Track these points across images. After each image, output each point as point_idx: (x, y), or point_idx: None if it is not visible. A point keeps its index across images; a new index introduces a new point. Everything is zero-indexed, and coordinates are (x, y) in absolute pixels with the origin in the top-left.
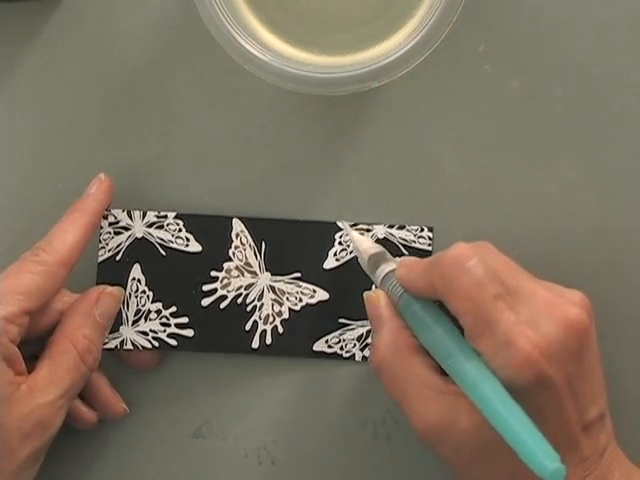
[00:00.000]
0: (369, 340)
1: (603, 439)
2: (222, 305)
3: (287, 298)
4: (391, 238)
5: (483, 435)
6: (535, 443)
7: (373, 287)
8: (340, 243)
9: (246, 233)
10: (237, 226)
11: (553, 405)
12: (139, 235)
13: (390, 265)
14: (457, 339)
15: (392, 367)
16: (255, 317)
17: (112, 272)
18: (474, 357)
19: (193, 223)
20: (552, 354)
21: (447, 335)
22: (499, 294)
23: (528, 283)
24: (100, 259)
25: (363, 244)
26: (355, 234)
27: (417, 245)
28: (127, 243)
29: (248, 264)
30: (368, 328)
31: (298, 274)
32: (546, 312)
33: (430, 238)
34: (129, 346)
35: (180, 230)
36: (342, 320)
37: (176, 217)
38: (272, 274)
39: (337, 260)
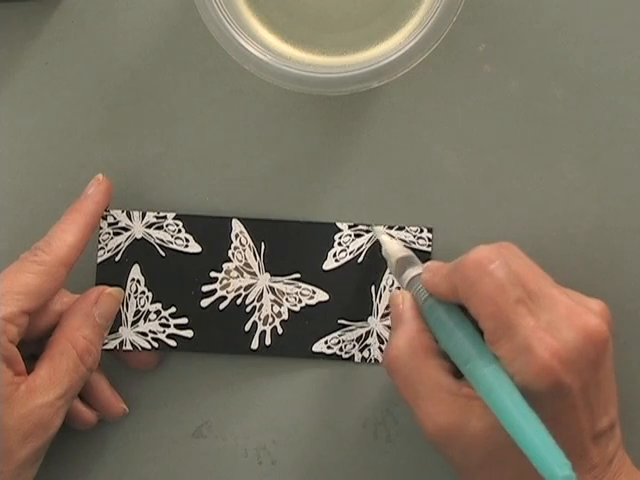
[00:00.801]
0: (368, 341)
1: (612, 448)
2: (221, 306)
3: (286, 299)
4: None
5: (493, 439)
6: (547, 450)
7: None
8: (340, 244)
9: (245, 234)
10: (237, 227)
11: (567, 413)
12: (138, 236)
13: (416, 269)
14: (477, 343)
15: (406, 366)
16: (254, 318)
17: (111, 273)
18: (493, 362)
19: (192, 224)
20: (570, 362)
21: (467, 339)
22: (520, 298)
23: (550, 289)
24: (99, 260)
25: (392, 247)
26: (385, 237)
27: (416, 246)
28: (126, 244)
29: (247, 265)
30: (367, 329)
31: (297, 275)
32: (566, 320)
33: (429, 239)
34: (128, 347)
35: (179, 231)
36: (341, 321)
37: (175, 218)
38: (271, 275)
39: (336, 261)
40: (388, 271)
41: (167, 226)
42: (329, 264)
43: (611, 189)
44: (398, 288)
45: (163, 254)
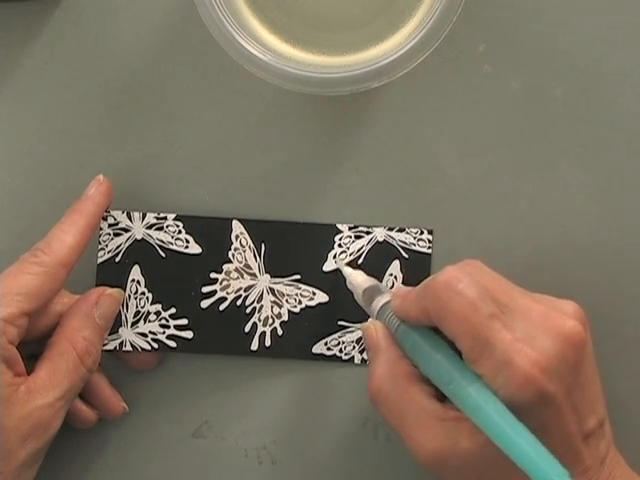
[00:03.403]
0: None
1: (603, 447)
2: (221, 307)
3: (286, 300)
4: (390, 241)
5: (486, 457)
6: (543, 460)
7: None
8: (340, 245)
9: (246, 235)
10: (237, 228)
11: (554, 420)
12: (139, 236)
13: (385, 297)
14: (457, 364)
15: (390, 396)
16: (254, 319)
17: (111, 273)
18: (475, 380)
19: (193, 225)
20: (551, 370)
21: (446, 360)
22: (493, 313)
23: (521, 299)
24: (99, 260)
25: (357, 278)
26: (348, 269)
27: (417, 248)
28: (127, 244)
29: (248, 266)
30: None
31: (298, 276)
32: (542, 327)
33: (430, 241)
34: (128, 347)
35: (180, 232)
36: (341, 322)
37: (176, 219)
38: (272, 276)
39: (337, 263)
40: (388, 273)
41: (167, 227)
42: (329, 265)
43: (611, 189)
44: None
45: (163, 255)
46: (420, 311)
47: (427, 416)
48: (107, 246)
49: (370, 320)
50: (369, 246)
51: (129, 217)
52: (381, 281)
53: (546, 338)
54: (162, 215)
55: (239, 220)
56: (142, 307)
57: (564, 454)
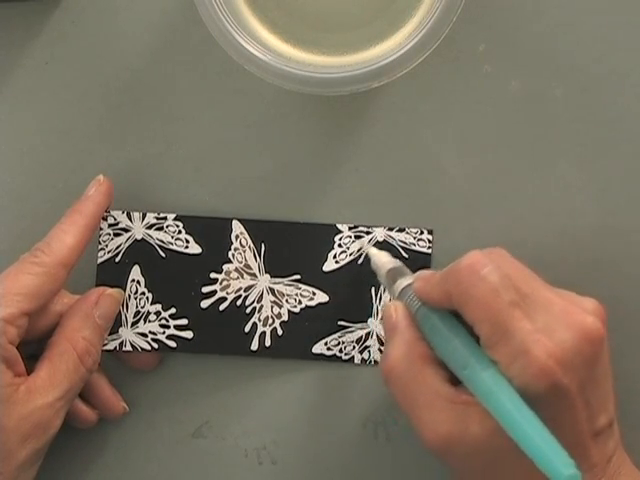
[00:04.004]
0: (368, 343)
1: (611, 445)
2: (221, 307)
3: (286, 300)
4: (390, 241)
5: (494, 444)
6: (551, 450)
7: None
8: (340, 245)
9: (246, 235)
10: (237, 228)
11: (566, 414)
12: (139, 236)
13: (408, 279)
14: (473, 349)
15: (403, 376)
16: (254, 319)
17: (111, 273)
18: (490, 366)
19: (193, 225)
20: (567, 363)
21: (463, 345)
22: (515, 301)
23: (543, 290)
24: (99, 260)
25: (382, 259)
26: (373, 249)
27: (416, 248)
28: (127, 244)
29: (248, 266)
30: (367, 331)
31: (298, 276)
32: (562, 320)
33: (430, 241)
34: (128, 347)
35: (180, 232)
36: (341, 322)
37: (176, 219)
38: (272, 276)
39: (337, 262)
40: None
41: (167, 227)
42: (329, 265)
43: (611, 189)
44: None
45: (163, 255)
46: (442, 294)
47: (438, 398)
48: (107, 246)
49: (391, 300)
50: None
51: (129, 217)
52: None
53: (565, 331)
54: (162, 215)
55: (239, 220)
56: (142, 307)
57: (572, 449)
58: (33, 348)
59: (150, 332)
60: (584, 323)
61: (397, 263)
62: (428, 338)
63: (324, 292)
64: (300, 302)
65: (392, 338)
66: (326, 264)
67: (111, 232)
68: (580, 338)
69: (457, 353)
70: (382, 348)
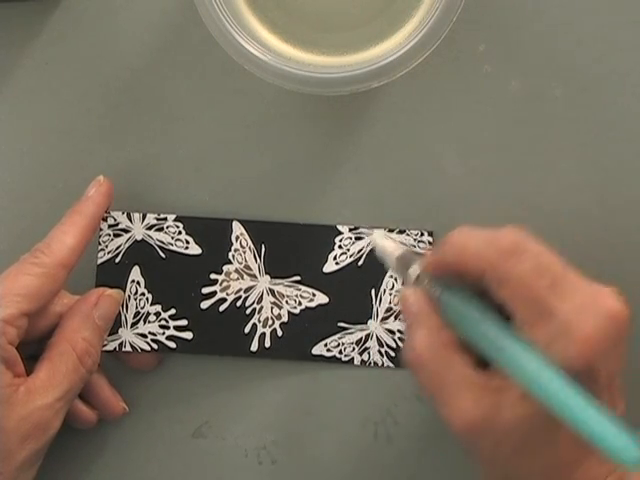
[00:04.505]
0: (368, 344)
1: None
2: (221, 308)
3: (286, 301)
4: None
5: (525, 429)
6: (614, 429)
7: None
8: (340, 247)
9: (246, 236)
10: (237, 229)
11: (595, 396)
12: (139, 237)
13: (423, 264)
14: (507, 330)
15: (431, 365)
16: (254, 320)
17: (111, 274)
18: (529, 348)
19: (193, 226)
20: (601, 346)
21: (496, 327)
22: (554, 282)
23: (571, 274)
24: (99, 261)
25: (387, 246)
26: (377, 237)
27: (417, 250)
28: (127, 245)
29: (248, 267)
30: (367, 332)
31: (298, 277)
32: (593, 304)
33: (430, 242)
34: (128, 348)
35: (180, 233)
36: (341, 324)
37: (176, 219)
38: (272, 277)
39: (337, 264)
40: (388, 275)
41: (167, 228)
42: (329, 267)
43: (611, 189)
44: (399, 291)
45: (163, 256)
46: (478, 268)
47: (469, 384)
48: (107, 247)
49: (406, 287)
50: (369, 248)
51: (129, 218)
52: (381, 283)
53: (597, 315)
54: (162, 216)
55: (239, 221)
56: (142, 308)
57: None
58: (33, 349)
59: (150, 333)
60: (614, 307)
61: (404, 248)
62: (453, 323)
63: (324, 293)
64: (300, 303)
65: (415, 326)
66: (326, 265)
67: (111, 233)
68: (610, 322)
69: (490, 335)
70: (382, 350)
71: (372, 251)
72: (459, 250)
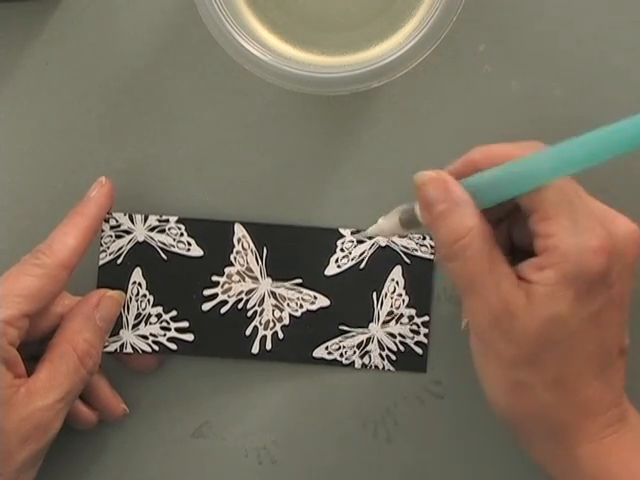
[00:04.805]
0: (369, 348)
1: (624, 379)
2: (222, 310)
3: (288, 304)
4: (393, 246)
5: (548, 332)
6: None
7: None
8: (342, 250)
9: (248, 238)
10: (239, 231)
11: (607, 310)
12: (140, 239)
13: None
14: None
15: (475, 254)
16: (255, 322)
17: (113, 276)
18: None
19: (195, 227)
20: (619, 253)
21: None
22: (579, 191)
23: (586, 195)
24: (101, 262)
25: (384, 222)
26: (370, 231)
27: (419, 254)
28: (128, 247)
29: (249, 269)
30: (368, 335)
31: (299, 280)
32: (611, 218)
33: (432, 246)
34: (129, 350)
35: (182, 234)
36: (342, 327)
37: (178, 221)
38: (273, 280)
39: (338, 267)
40: (390, 278)
41: (169, 229)
42: (331, 270)
43: (611, 189)
44: (400, 294)
45: (165, 257)
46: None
47: (504, 278)
48: (109, 248)
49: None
50: (371, 251)
51: (131, 219)
52: (382, 286)
53: (618, 227)
54: (164, 217)
55: (241, 223)
56: (143, 309)
57: (602, 355)
58: (34, 349)
59: (151, 334)
60: (630, 225)
61: (399, 210)
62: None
63: (325, 296)
64: (301, 306)
65: (453, 210)
66: (328, 268)
67: (113, 234)
68: (629, 237)
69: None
70: (383, 354)
71: (375, 254)
72: (483, 150)
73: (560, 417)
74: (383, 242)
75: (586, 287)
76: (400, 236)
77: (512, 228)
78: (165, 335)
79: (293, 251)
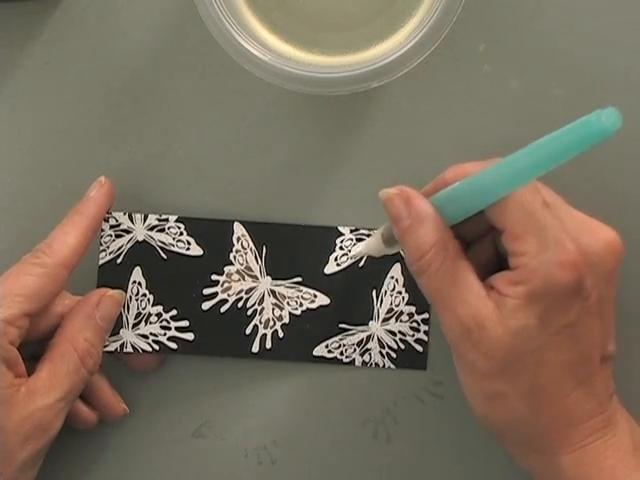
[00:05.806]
0: (369, 345)
1: (611, 385)
2: (222, 309)
3: (288, 302)
4: None
5: (517, 343)
6: (581, 121)
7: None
8: (341, 248)
9: (247, 237)
10: (238, 230)
11: (584, 320)
12: (140, 238)
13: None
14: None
15: (439, 268)
16: (255, 321)
17: (113, 275)
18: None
19: (194, 226)
20: (592, 265)
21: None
22: (546, 203)
23: (564, 204)
24: (101, 262)
25: (366, 242)
26: (356, 250)
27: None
28: (128, 246)
29: (249, 268)
30: (368, 333)
31: (299, 279)
32: (587, 229)
33: None
34: (129, 349)
35: (181, 234)
36: (342, 325)
37: (177, 220)
38: (273, 278)
39: (338, 265)
40: (390, 276)
41: (169, 229)
42: (330, 268)
43: (611, 190)
44: (400, 292)
45: (165, 257)
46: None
47: (470, 292)
48: (108, 247)
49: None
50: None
51: (130, 219)
52: (382, 284)
53: (591, 238)
54: (164, 217)
55: (240, 222)
56: (143, 309)
57: (583, 365)
58: (34, 349)
59: (151, 334)
60: (608, 234)
61: (381, 228)
62: (451, 211)
63: (325, 295)
64: (301, 304)
65: (417, 225)
66: (327, 266)
67: (112, 233)
68: (604, 247)
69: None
70: (383, 351)
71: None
72: (455, 168)
73: (538, 426)
74: None
75: (556, 301)
76: (387, 255)
77: (497, 239)
78: (165, 334)
79: (292, 250)
